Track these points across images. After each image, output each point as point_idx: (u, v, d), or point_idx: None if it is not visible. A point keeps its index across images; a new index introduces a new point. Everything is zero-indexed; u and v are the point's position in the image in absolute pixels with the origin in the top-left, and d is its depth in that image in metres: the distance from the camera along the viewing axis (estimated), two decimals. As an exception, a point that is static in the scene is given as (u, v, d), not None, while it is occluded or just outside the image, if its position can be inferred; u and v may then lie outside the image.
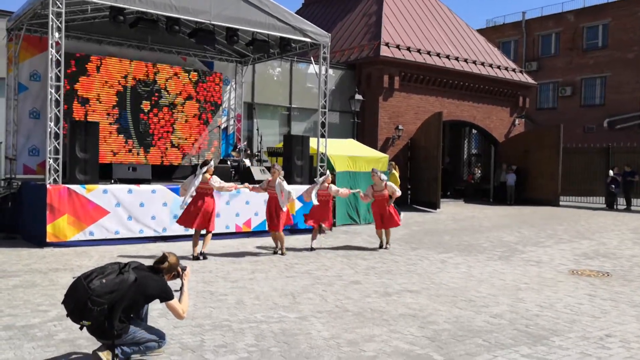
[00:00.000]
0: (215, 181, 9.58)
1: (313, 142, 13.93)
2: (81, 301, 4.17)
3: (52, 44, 10.29)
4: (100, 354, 4.38)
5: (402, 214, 16.64)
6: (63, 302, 4.34)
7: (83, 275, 4.31)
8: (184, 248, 10.32)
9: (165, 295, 4.56)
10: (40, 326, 5.55)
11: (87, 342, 5.05)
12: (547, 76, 36.14)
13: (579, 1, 36.64)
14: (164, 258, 4.69)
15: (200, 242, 9.59)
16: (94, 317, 4.22)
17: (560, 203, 22.78)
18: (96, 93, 14.01)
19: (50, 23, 10.19)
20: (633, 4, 32.95)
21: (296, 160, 13.24)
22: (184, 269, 4.82)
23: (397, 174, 16.67)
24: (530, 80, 26.00)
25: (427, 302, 6.87)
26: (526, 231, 14.36)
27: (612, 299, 7.27)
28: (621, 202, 22.09)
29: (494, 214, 18.84)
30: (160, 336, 4.67)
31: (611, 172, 21.76)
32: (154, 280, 4.53)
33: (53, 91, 10.33)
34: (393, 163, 17.38)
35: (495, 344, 5.35)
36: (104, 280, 4.22)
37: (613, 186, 21.68)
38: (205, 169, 9.49)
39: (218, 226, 11.86)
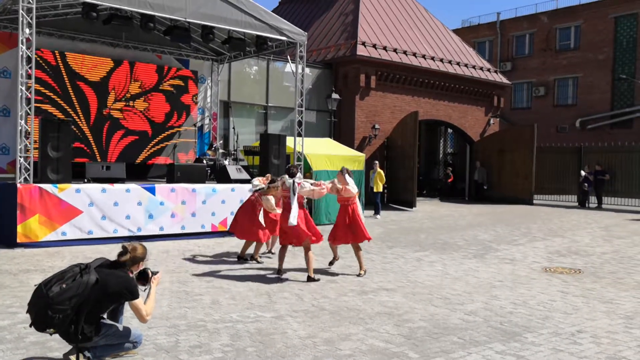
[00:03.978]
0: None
1: (290, 141, 13.90)
2: (42, 310, 4.01)
3: (22, 40, 10.08)
4: (71, 357, 4.28)
5: (380, 214, 16.77)
6: (27, 312, 4.19)
7: (43, 282, 4.14)
8: (158, 248, 10.23)
9: (129, 294, 4.31)
10: (10, 328, 5.43)
11: (58, 344, 4.96)
12: (521, 76, 36.67)
13: (552, 3, 37.22)
14: (124, 251, 4.48)
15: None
16: (56, 324, 4.06)
17: (534, 201, 23.12)
18: (65, 89, 13.79)
19: (21, 19, 9.98)
20: (604, 7, 33.63)
21: (273, 159, 13.19)
22: (155, 273, 4.62)
23: (382, 172, 17.46)
24: (504, 80, 26.32)
25: (403, 301, 6.91)
26: (501, 229, 14.54)
27: (584, 295, 7.40)
28: (593, 200, 22.53)
29: (469, 213, 19.04)
30: (135, 337, 4.54)
31: (583, 172, 22.18)
32: (117, 278, 4.30)
33: (23, 88, 10.12)
34: (377, 162, 17.60)
35: (469, 341, 5.40)
36: (63, 286, 4.04)
37: (586, 184, 22.10)
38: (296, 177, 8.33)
39: (194, 225, 11.82)
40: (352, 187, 8.53)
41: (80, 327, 4.14)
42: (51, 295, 4.00)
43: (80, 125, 14.06)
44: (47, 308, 3.99)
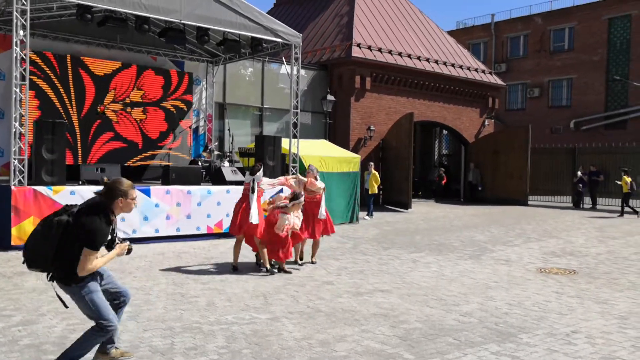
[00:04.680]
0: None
1: (285, 142, 13.89)
2: (26, 251, 4.21)
3: (16, 42, 10.05)
4: None
5: (369, 215, 16.77)
6: None
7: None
8: (154, 250, 10.20)
9: (86, 238, 4.04)
10: (4, 331, 5.41)
11: (53, 347, 4.95)
12: (516, 77, 36.79)
13: (546, 4, 37.42)
14: (104, 185, 4.33)
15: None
16: (39, 264, 4.20)
17: (529, 202, 23.18)
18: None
19: (15, 21, 9.94)
20: (598, 8, 33.79)
21: (268, 161, 13.17)
22: (124, 241, 4.45)
23: (377, 174, 17.50)
24: (499, 81, 26.41)
25: (399, 302, 6.91)
26: (496, 230, 14.57)
27: (578, 296, 7.42)
28: (587, 201, 22.61)
29: (464, 214, 19.07)
30: (109, 319, 4.19)
31: (579, 173, 22.27)
32: (86, 217, 4.11)
33: (18, 90, 10.09)
34: (372, 164, 17.65)
35: (465, 342, 5.41)
36: (39, 228, 4.21)
37: (581, 185, 22.19)
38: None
39: (189, 227, 11.81)
40: (319, 182, 9.28)
41: (61, 267, 4.16)
42: (30, 237, 4.23)
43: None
44: (28, 249, 4.20)
